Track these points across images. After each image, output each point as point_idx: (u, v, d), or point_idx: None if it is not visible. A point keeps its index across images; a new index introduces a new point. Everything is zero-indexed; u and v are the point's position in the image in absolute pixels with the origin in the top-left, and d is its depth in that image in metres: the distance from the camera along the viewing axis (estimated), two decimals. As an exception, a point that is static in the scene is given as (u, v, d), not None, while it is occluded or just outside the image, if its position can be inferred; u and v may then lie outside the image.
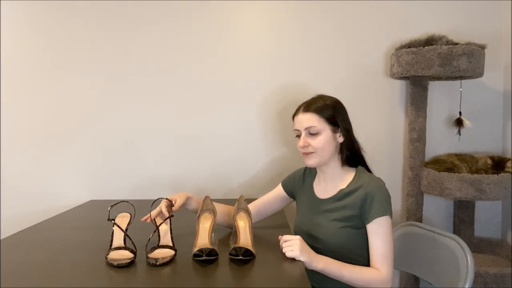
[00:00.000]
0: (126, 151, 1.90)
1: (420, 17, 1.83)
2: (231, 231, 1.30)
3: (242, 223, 1.18)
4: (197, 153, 1.90)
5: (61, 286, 0.90)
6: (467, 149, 1.85)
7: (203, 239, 1.10)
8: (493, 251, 1.78)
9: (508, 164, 1.64)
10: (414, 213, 1.76)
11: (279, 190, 1.41)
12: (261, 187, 1.88)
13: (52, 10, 1.86)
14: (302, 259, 1.04)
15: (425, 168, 1.72)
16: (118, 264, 1.01)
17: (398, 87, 1.87)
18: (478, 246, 1.80)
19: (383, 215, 1.14)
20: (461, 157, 1.73)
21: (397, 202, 1.90)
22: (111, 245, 1.11)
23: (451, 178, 1.59)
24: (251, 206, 1.37)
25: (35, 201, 1.90)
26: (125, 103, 1.89)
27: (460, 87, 1.81)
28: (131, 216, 1.22)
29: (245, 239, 1.12)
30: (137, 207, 1.28)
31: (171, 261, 1.05)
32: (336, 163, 1.25)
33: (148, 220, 1.20)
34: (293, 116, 1.28)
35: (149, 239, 1.10)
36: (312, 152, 1.21)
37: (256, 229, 1.32)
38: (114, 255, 1.06)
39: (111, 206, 1.15)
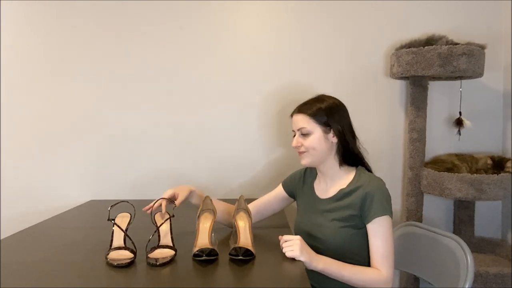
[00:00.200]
0: (126, 151, 1.90)
1: (420, 17, 1.83)
2: (231, 231, 1.30)
3: (242, 223, 1.18)
4: (197, 153, 1.90)
5: (61, 286, 0.90)
6: (467, 149, 1.85)
7: (203, 239, 1.10)
8: (493, 251, 1.78)
9: (508, 164, 1.64)
10: (414, 213, 1.76)
11: (279, 190, 1.41)
12: (261, 187, 1.88)
13: (52, 10, 1.86)
14: (302, 259, 1.04)
15: (425, 168, 1.72)
16: (118, 264, 1.01)
17: (398, 87, 1.87)
18: (478, 246, 1.80)
19: (383, 215, 1.14)
20: (461, 157, 1.73)
21: (397, 202, 1.90)
22: (111, 245, 1.11)
23: (451, 178, 1.59)
24: (251, 206, 1.37)
25: (35, 201, 1.90)
26: (125, 103, 1.89)
27: (460, 87, 1.81)
28: (131, 216, 1.22)
29: (245, 239, 1.12)
30: (137, 207, 1.28)
31: (171, 261, 1.05)
32: (333, 162, 1.26)
33: (149, 211, 1.20)
34: (291, 116, 1.31)
35: (149, 239, 1.10)
36: (305, 152, 1.24)
37: (256, 229, 1.32)
38: (114, 255, 1.06)
39: (111, 206, 1.15)
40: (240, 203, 1.24)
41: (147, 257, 1.05)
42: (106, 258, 1.05)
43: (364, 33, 1.85)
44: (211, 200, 1.25)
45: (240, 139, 1.90)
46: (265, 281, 0.93)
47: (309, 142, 1.22)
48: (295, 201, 1.41)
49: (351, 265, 1.13)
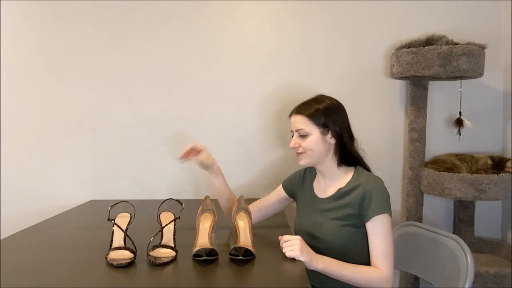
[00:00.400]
0: (126, 151, 1.90)
1: (420, 17, 1.83)
2: (231, 231, 1.30)
3: (242, 223, 1.18)
4: (197, 153, 1.90)
5: (61, 286, 0.90)
6: (467, 149, 1.85)
7: (203, 239, 1.10)
8: (493, 251, 1.78)
9: (508, 164, 1.64)
10: (414, 213, 1.76)
11: (280, 191, 1.42)
12: (261, 187, 1.88)
13: (52, 10, 1.86)
14: (302, 259, 1.04)
15: (425, 168, 1.72)
16: (118, 264, 1.01)
17: (398, 87, 1.87)
18: (478, 246, 1.80)
19: (382, 213, 1.14)
20: (461, 157, 1.73)
21: (397, 202, 1.90)
22: (111, 245, 1.11)
23: (451, 178, 1.59)
24: (252, 207, 1.38)
25: (35, 201, 1.90)
26: (125, 103, 1.89)
27: (460, 87, 1.81)
28: (131, 216, 1.22)
29: (245, 239, 1.12)
30: (137, 207, 1.28)
31: (172, 261, 1.05)
32: (331, 163, 1.26)
33: (183, 158, 1.32)
34: (289, 116, 1.31)
35: (152, 238, 1.10)
36: (303, 153, 1.25)
37: (256, 229, 1.32)
38: (114, 255, 1.06)
39: (111, 206, 1.15)
40: (240, 203, 1.25)
41: (148, 255, 1.05)
42: (106, 258, 1.05)
43: (364, 33, 1.85)
44: (211, 200, 1.25)
45: (240, 139, 1.90)
46: (265, 281, 0.93)
47: (307, 143, 1.22)
48: (295, 201, 1.41)
49: (351, 264, 1.13)
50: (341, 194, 1.22)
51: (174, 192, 1.90)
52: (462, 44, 1.58)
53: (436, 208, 1.89)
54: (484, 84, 1.85)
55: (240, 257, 1.05)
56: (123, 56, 1.87)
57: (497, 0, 1.82)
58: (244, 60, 1.87)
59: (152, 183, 1.91)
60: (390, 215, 1.17)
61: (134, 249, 1.08)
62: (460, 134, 1.82)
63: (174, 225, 1.18)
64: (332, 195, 1.25)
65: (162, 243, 1.12)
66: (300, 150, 1.25)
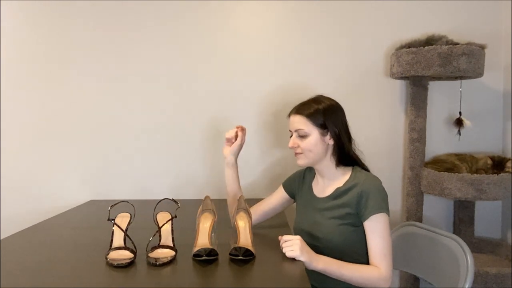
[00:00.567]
0: (126, 151, 1.90)
1: (420, 17, 1.83)
2: (231, 231, 1.30)
3: (242, 223, 1.18)
4: (197, 153, 1.90)
5: (61, 286, 0.90)
6: (467, 149, 1.85)
7: (203, 239, 1.10)
8: (493, 251, 1.78)
9: (508, 164, 1.64)
10: (414, 213, 1.76)
11: (280, 192, 1.42)
12: (261, 188, 1.88)
13: (52, 10, 1.86)
14: (302, 259, 1.04)
15: (425, 168, 1.72)
16: (118, 264, 1.01)
17: (398, 87, 1.87)
18: (478, 246, 1.80)
19: (379, 212, 1.15)
20: (461, 157, 1.73)
21: (397, 202, 1.90)
22: (111, 245, 1.11)
23: (451, 178, 1.59)
24: (253, 209, 1.38)
25: (35, 201, 1.91)
26: (125, 103, 1.89)
27: (460, 87, 1.81)
28: (131, 216, 1.22)
29: (245, 239, 1.12)
30: (137, 207, 1.28)
31: (171, 261, 1.05)
32: (329, 163, 1.26)
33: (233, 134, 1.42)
34: (288, 116, 1.31)
35: (150, 239, 1.10)
36: (301, 153, 1.25)
37: (256, 229, 1.32)
38: (114, 255, 1.06)
39: (111, 206, 1.15)
40: (240, 203, 1.24)
41: (148, 257, 1.05)
42: (106, 258, 1.05)
43: (364, 33, 1.85)
44: (211, 200, 1.25)
45: (240, 139, 1.90)
46: (265, 281, 0.93)
47: (305, 143, 1.23)
48: (295, 201, 1.41)
49: (351, 264, 1.13)
50: (339, 193, 1.23)
51: (174, 192, 1.90)
52: (462, 44, 1.58)
53: (436, 208, 1.89)
54: (484, 84, 1.85)
55: (240, 257, 1.05)
56: (123, 56, 1.87)
57: (497, 0, 1.82)
58: (244, 60, 1.87)
59: (152, 183, 1.91)
60: (388, 214, 1.17)
61: (134, 249, 1.08)
62: (460, 134, 1.82)
63: (172, 224, 1.17)
64: (330, 194, 1.25)
65: (161, 243, 1.12)
66: (299, 150, 1.25)
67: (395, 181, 1.90)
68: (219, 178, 1.90)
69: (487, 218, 1.86)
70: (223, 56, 1.87)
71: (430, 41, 1.65)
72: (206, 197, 1.27)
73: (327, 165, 1.26)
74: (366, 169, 1.28)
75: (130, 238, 1.11)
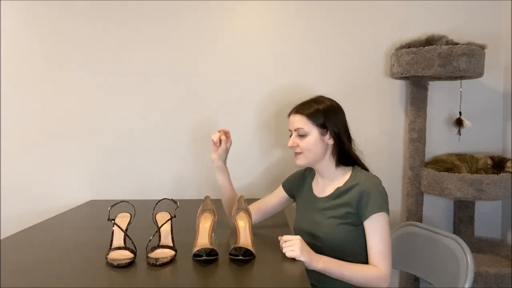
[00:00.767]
0: (126, 151, 1.90)
1: (420, 17, 1.83)
2: (231, 231, 1.31)
3: (242, 223, 1.18)
4: (197, 153, 1.90)
5: (61, 286, 0.90)
6: (467, 149, 1.85)
7: (203, 239, 1.10)
8: (493, 251, 1.78)
9: (508, 164, 1.64)
10: (414, 213, 1.76)
11: (280, 191, 1.42)
12: (261, 188, 1.88)
13: (52, 10, 1.86)
14: (302, 259, 1.04)
15: (425, 168, 1.72)
16: (118, 264, 1.01)
17: (398, 87, 1.87)
18: (478, 246, 1.80)
19: (379, 212, 1.15)
20: (461, 157, 1.73)
21: (397, 202, 1.90)
22: (111, 245, 1.11)
23: (451, 178, 1.59)
24: (252, 207, 1.38)
25: (35, 201, 1.90)
26: (125, 103, 1.89)
27: (460, 87, 1.81)
28: (131, 216, 1.22)
29: (245, 239, 1.12)
30: (137, 207, 1.28)
31: (171, 261, 1.05)
32: (329, 163, 1.26)
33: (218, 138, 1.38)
34: (288, 116, 1.31)
35: (150, 239, 1.10)
36: (300, 153, 1.25)
37: (256, 229, 1.32)
38: (114, 255, 1.06)
39: (111, 206, 1.15)
40: (240, 203, 1.25)
41: (147, 257, 1.05)
42: (106, 258, 1.05)
43: (364, 33, 1.85)
44: (211, 200, 1.25)
45: (240, 140, 1.89)
46: (265, 281, 0.93)
47: (305, 143, 1.23)
48: (295, 201, 1.41)
49: (351, 263, 1.13)
50: (339, 193, 1.23)
51: (174, 192, 1.90)
52: (462, 44, 1.58)
53: (436, 208, 1.89)
54: (484, 84, 1.85)
55: (240, 257, 1.05)
56: (123, 56, 1.87)
57: (497, 0, 1.82)
58: (244, 60, 1.87)
59: (152, 183, 1.91)
60: (388, 213, 1.17)
61: (134, 249, 1.08)
62: (460, 134, 1.82)
63: (171, 224, 1.17)
64: (330, 194, 1.25)
65: (161, 243, 1.12)
66: (298, 150, 1.25)
67: (395, 181, 1.90)
68: (219, 178, 1.90)
69: (487, 218, 1.86)
70: (223, 56, 1.87)
71: (430, 41, 1.65)
72: (206, 197, 1.27)
73: (327, 165, 1.27)
74: (366, 169, 1.28)
75: (130, 238, 1.11)
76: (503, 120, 1.85)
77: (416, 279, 1.76)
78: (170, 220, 1.17)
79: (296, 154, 1.27)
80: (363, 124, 1.86)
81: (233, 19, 1.86)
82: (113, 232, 1.14)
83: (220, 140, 1.39)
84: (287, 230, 1.37)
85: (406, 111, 1.87)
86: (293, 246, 1.06)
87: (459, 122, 1.80)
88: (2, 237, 1.42)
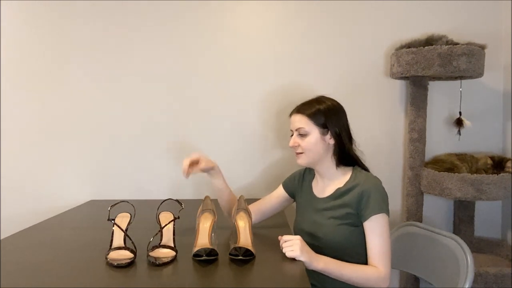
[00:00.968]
0: (126, 151, 1.90)
1: (420, 17, 1.83)
2: (231, 231, 1.31)
3: (242, 223, 1.18)
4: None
5: (61, 286, 0.90)
6: (467, 149, 1.85)
7: (203, 239, 1.10)
8: (493, 251, 1.78)
9: (508, 164, 1.64)
10: (414, 213, 1.76)
11: (280, 191, 1.42)
12: (261, 188, 1.88)
13: (52, 10, 1.86)
14: (302, 259, 1.04)
15: (425, 168, 1.72)
16: (118, 264, 1.01)
17: (398, 87, 1.87)
18: (478, 246, 1.80)
19: (379, 213, 1.15)
20: (461, 157, 1.73)
21: (397, 202, 1.90)
22: (111, 245, 1.11)
23: (451, 178, 1.59)
24: (252, 207, 1.38)
25: (35, 201, 1.90)
26: (125, 103, 1.89)
27: (460, 87, 1.81)
28: (131, 216, 1.22)
29: (245, 239, 1.12)
30: (137, 207, 1.28)
31: (172, 261, 1.05)
32: (329, 163, 1.26)
33: (186, 175, 1.29)
34: (290, 116, 1.31)
35: (152, 238, 1.10)
36: (302, 153, 1.25)
37: (256, 229, 1.32)
38: (114, 255, 1.06)
39: (111, 206, 1.15)
40: (240, 203, 1.25)
41: (148, 256, 1.05)
42: (106, 258, 1.05)
43: (364, 33, 1.85)
44: (211, 200, 1.25)
45: (240, 139, 1.90)
46: (265, 281, 0.93)
47: (306, 142, 1.23)
48: (295, 201, 1.41)
49: (351, 264, 1.13)
50: (339, 193, 1.23)
51: (174, 192, 1.90)
52: (462, 44, 1.58)
53: (436, 208, 1.89)
54: (484, 84, 1.85)
55: (240, 257, 1.05)
56: (123, 57, 1.87)
57: (497, 0, 1.82)
58: (244, 61, 1.87)
59: (152, 183, 1.91)
60: (388, 214, 1.17)
61: (134, 249, 1.08)
62: (460, 134, 1.82)
63: (174, 225, 1.18)
64: (331, 194, 1.25)
65: (162, 243, 1.12)
66: (299, 149, 1.25)
67: (395, 181, 1.90)
68: (219, 178, 1.90)
69: (487, 218, 1.86)
70: (223, 56, 1.87)
71: (430, 41, 1.65)
72: (206, 197, 1.27)
73: (327, 165, 1.27)
74: (366, 169, 1.28)
75: (130, 238, 1.11)
76: (503, 120, 1.85)
77: (416, 279, 1.76)
78: (173, 221, 1.17)
79: (297, 154, 1.27)
80: (363, 124, 1.86)
81: (233, 19, 1.86)
82: (113, 232, 1.14)
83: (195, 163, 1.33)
84: (287, 230, 1.37)
85: (406, 111, 1.87)
86: (293, 246, 1.06)
87: (459, 122, 1.80)
88: (2, 237, 1.41)
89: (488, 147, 1.85)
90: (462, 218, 1.79)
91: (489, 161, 1.67)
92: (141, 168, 1.91)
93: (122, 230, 1.13)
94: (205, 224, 1.15)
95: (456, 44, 1.60)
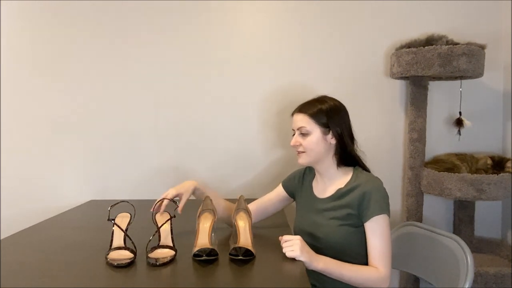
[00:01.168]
0: (126, 151, 1.90)
1: (420, 17, 1.83)
2: (231, 231, 1.30)
3: (242, 223, 1.18)
4: (197, 153, 1.90)
5: (61, 286, 0.90)
6: (467, 149, 1.84)
7: (203, 239, 1.10)
8: (493, 251, 1.78)
9: (508, 164, 1.64)
10: (414, 213, 1.76)
11: (279, 190, 1.42)
12: (261, 187, 1.88)
13: (52, 10, 1.86)
14: (302, 259, 1.04)
15: (425, 168, 1.72)
16: (118, 264, 1.01)
17: (398, 87, 1.87)
18: (478, 246, 1.80)
19: (380, 214, 1.15)
20: (461, 157, 1.73)
21: (397, 202, 1.90)
22: (111, 245, 1.11)
23: (451, 178, 1.59)
24: (252, 206, 1.37)
25: (35, 201, 1.90)
26: (125, 103, 1.89)
27: (460, 87, 1.81)
28: (131, 216, 1.22)
29: (245, 239, 1.12)
30: (137, 207, 1.28)
31: (171, 261, 1.05)
32: (330, 163, 1.26)
33: (158, 212, 1.22)
34: (292, 115, 1.31)
35: (150, 239, 1.10)
36: (303, 152, 1.25)
37: (256, 229, 1.32)
38: (114, 255, 1.06)
39: (111, 206, 1.15)
40: (240, 203, 1.25)
41: (147, 257, 1.05)
42: (106, 258, 1.05)
43: (364, 33, 1.85)
44: (211, 200, 1.25)
45: (240, 139, 1.90)
46: (265, 281, 0.93)
47: (307, 142, 1.23)
48: (295, 201, 1.41)
49: (351, 264, 1.13)
50: (340, 194, 1.23)
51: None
52: (462, 44, 1.58)
53: (436, 208, 1.89)
54: (484, 84, 1.85)
55: (240, 257, 1.04)
56: (123, 56, 1.87)
57: (497, 0, 1.82)
58: (244, 60, 1.87)
59: (152, 183, 1.91)
60: (389, 215, 1.17)
61: (134, 249, 1.08)
62: (460, 134, 1.82)
63: (171, 224, 1.17)
64: (331, 195, 1.25)
65: (161, 243, 1.12)
66: (301, 149, 1.25)
67: (395, 181, 1.90)
68: (219, 178, 1.91)
69: (487, 218, 1.86)
70: (222, 56, 1.87)
71: (430, 41, 1.65)
72: (206, 197, 1.27)
73: (328, 165, 1.26)
74: (367, 170, 1.28)
75: (130, 238, 1.11)
76: (503, 120, 1.85)
77: (416, 279, 1.76)
78: (169, 220, 1.17)
79: (299, 153, 1.27)
80: (363, 124, 1.86)
81: (233, 19, 1.86)
82: (113, 232, 1.14)
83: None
84: (287, 230, 1.37)
85: (406, 111, 1.87)
86: (293, 246, 1.06)
87: (459, 122, 1.80)
88: (2, 237, 1.41)
89: (488, 147, 1.85)
90: (462, 218, 1.79)
91: (489, 161, 1.67)
92: (141, 168, 1.91)
93: (122, 230, 1.13)
94: (205, 224, 1.15)
95: (456, 44, 1.60)
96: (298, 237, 1.08)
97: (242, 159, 1.90)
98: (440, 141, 1.87)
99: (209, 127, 1.90)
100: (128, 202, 1.29)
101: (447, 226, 1.89)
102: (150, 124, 1.89)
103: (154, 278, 0.95)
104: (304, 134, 1.24)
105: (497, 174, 1.57)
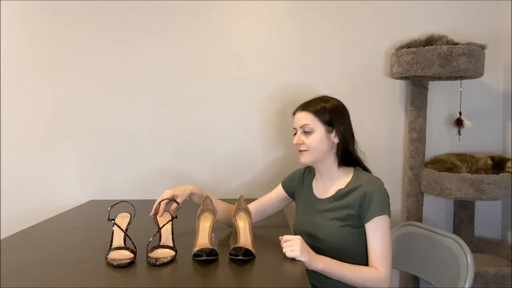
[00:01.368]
0: (126, 151, 1.90)
1: (420, 17, 1.83)
2: (231, 231, 1.30)
3: (242, 223, 1.18)
4: (197, 153, 1.90)
5: (61, 286, 0.90)
6: (467, 149, 1.85)
7: (203, 239, 1.10)
8: (493, 251, 1.78)
9: (508, 164, 1.64)
10: (414, 213, 1.76)
11: (279, 190, 1.41)
12: (261, 187, 1.88)
13: (52, 10, 1.86)
14: (302, 259, 1.04)
15: (425, 168, 1.72)
16: (118, 264, 1.01)
17: (398, 87, 1.87)
18: (478, 246, 1.80)
19: (381, 215, 1.15)
20: (461, 157, 1.73)
21: (397, 202, 1.90)
22: (111, 245, 1.11)
23: (451, 178, 1.59)
24: (251, 206, 1.37)
25: (35, 201, 1.90)
26: (125, 103, 1.89)
27: (460, 87, 1.81)
28: (131, 216, 1.22)
29: (245, 239, 1.12)
30: (137, 207, 1.28)
31: (171, 261, 1.05)
32: (332, 163, 1.26)
33: (158, 214, 1.20)
34: (293, 114, 1.31)
35: (150, 240, 1.10)
36: (306, 150, 1.24)
37: (256, 229, 1.32)
38: (114, 255, 1.06)
39: (111, 206, 1.15)
40: (240, 203, 1.25)
41: (148, 257, 1.05)
42: (106, 258, 1.05)
43: (364, 33, 1.85)
44: (211, 200, 1.25)
45: (240, 139, 1.90)
46: (265, 281, 0.93)
47: (310, 140, 1.22)
48: (295, 201, 1.41)
49: (351, 264, 1.13)
50: (340, 195, 1.22)
51: (174, 192, 1.90)
52: (462, 44, 1.58)
53: (436, 208, 1.89)
54: (484, 84, 1.85)
55: (240, 257, 1.04)
56: (123, 56, 1.87)
57: (497, 0, 1.82)
58: (244, 60, 1.87)
59: (152, 183, 1.91)
60: (389, 216, 1.17)
61: (134, 249, 1.08)
62: (460, 134, 1.82)
63: (172, 224, 1.18)
64: (332, 195, 1.25)
65: (161, 243, 1.12)
66: (303, 147, 1.24)
67: (395, 181, 1.90)
68: (219, 178, 1.91)
69: (487, 218, 1.86)
70: (223, 56, 1.87)
71: (430, 41, 1.65)
72: (206, 197, 1.27)
73: (329, 165, 1.26)
74: (368, 170, 1.28)
75: (130, 238, 1.11)
76: (503, 120, 1.85)
77: (416, 279, 1.76)
78: (171, 221, 1.17)
79: (301, 151, 1.26)
80: (363, 124, 1.86)
81: (233, 19, 1.86)
82: (113, 232, 1.14)
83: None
84: (287, 230, 1.37)
85: (406, 111, 1.87)
86: (293, 246, 1.06)
87: (459, 122, 1.80)
88: (2, 237, 1.41)
89: (488, 147, 1.85)
90: (462, 218, 1.79)
91: (489, 161, 1.67)
92: (141, 168, 1.91)
93: (122, 230, 1.13)
94: (205, 224, 1.15)
95: (456, 44, 1.60)
96: (298, 237, 1.08)
97: (242, 159, 1.90)
98: (440, 141, 1.87)
99: (209, 127, 1.90)
100: (128, 202, 1.29)
101: (447, 226, 1.89)
102: (150, 124, 1.89)
103: (154, 278, 0.95)
104: (307, 132, 1.23)
105: (497, 174, 1.57)
